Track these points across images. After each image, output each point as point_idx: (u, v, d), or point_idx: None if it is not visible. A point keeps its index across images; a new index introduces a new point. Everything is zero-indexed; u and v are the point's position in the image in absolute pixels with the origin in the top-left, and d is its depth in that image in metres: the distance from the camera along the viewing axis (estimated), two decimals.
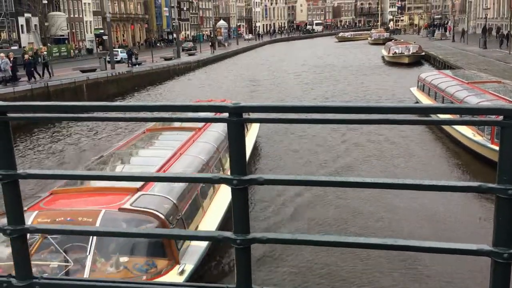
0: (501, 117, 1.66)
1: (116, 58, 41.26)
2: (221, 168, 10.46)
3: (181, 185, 8.06)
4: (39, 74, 28.57)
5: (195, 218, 8.15)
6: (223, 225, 8.40)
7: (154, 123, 12.46)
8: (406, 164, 14.44)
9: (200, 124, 11.53)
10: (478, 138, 13.44)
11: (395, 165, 14.35)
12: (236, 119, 1.84)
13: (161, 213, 6.78)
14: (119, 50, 47.59)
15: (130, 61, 37.90)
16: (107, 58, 35.73)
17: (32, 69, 27.68)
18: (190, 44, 64.36)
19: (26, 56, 28.36)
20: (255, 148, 15.04)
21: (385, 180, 1.80)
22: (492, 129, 12.52)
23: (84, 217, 6.42)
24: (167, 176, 2.49)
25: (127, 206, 6.71)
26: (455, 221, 10.25)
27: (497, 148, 10.80)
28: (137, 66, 38.10)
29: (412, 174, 13.24)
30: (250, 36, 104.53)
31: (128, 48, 39.90)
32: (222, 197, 9.16)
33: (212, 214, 8.73)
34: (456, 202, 10.88)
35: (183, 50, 55.43)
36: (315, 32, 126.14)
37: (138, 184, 7.29)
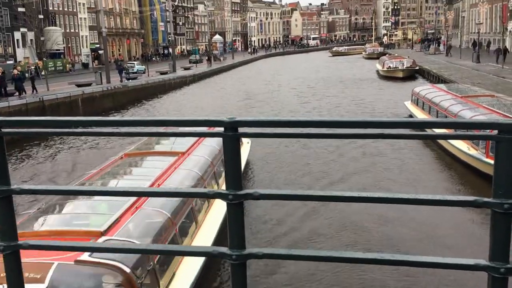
0: (495, 132, 1.67)
1: (132, 70, 44.20)
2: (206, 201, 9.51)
3: (157, 225, 7.26)
4: (31, 89, 28.38)
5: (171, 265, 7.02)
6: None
7: (133, 147, 11.81)
8: (401, 177, 14.45)
9: (183, 149, 10.86)
10: (472, 152, 13.49)
11: (390, 178, 14.35)
12: (232, 133, 1.83)
13: (126, 266, 5.61)
14: (135, 62, 50.02)
15: (121, 75, 37.52)
16: (123, 71, 36.49)
17: (22, 84, 27.43)
18: (197, 56, 66.54)
19: (15, 71, 28.09)
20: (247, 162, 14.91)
21: (380, 194, 1.79)
22: (486, 143, 12.57)
23: (32, 273, 5.10)
24: (162, 191, 2.47)
25: (85, 257, 5.40)
26: (451, 235, 10.22)
27: (492, 162, 10.80)
28: (130, 80, 37.77)
29: (407, 188, 13.24)
30: (255, 48, 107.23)
31: (119, 63, 39.62)
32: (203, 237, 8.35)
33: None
34: (452, 216, 10.86)
35: (190, 62, 59.44)
36: (310, 47, 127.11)
37: (104, 226, 6.36)
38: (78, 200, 7.57)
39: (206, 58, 63.23)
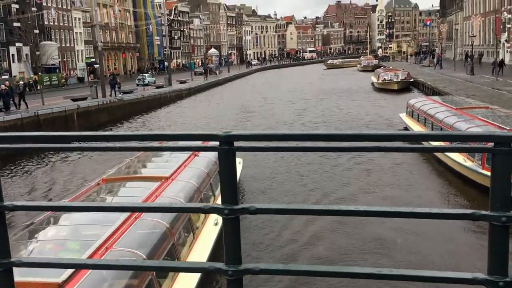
0: (491, 144, 1.66)
1: (144, 81, 48.12)
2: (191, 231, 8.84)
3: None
4: (16, 105, 27.94)
5: None
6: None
7: (112, 170, 10.64)
8: (397, 190, 14.44)
9: (167, 172, 9.82)
10: (469, 163, 13.51)
11: (385, 191, 14.33)
12: (227, 147, 1.82)
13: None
14: (147, 75, 52.65)
15: (113, 90, 36.55)
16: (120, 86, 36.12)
17: (11, 99, 26.98)
18: (202, 69, 68.69)
19: (3, 87, 27.63)
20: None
21: (378, 208, 1.78)
22: (482, 155, 12.59)
23: None
24: (157, 206, 2.45)
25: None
26: (449, 248, 10.19)
27: (488, 173, 10.80)
28: (121, 95, 36.96)
29: (403, 200, 13.23)
30: (256, 61, 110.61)
31: (111, 77, 39.35)
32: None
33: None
34: (450, 228, 10.84)
35: (195, 74, 61.89)
36: (305, 59, 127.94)
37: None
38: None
39: (204, 71, 63.63)
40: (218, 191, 10.71)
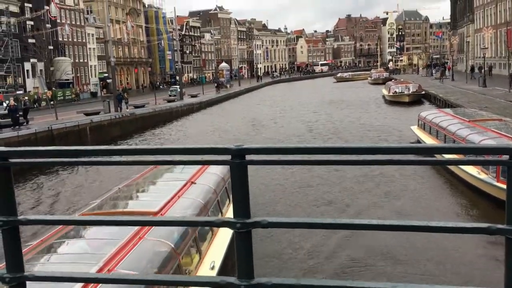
0: (506, 156, 1.64)
1: (174, 93, 52.75)
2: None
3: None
4: (25, 121, 27.66)
5: None
6: None
7: (95, 203, 9.55)
8: (409, 203, 14.30)
9: (156, 206, 8.59)
10: (483, 176, 13.35)
11: (399, 204, 14.20)
12: (239, 161, 1.82)
13: None
14: (177, 86, 55.71)
15: (120, 106, 36.00)
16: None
17: (17, 115, 26.71)
18: (220, 81, 71.25)
19: (12, 102, 27.42)
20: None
21: (391, 222, 1.76)
22: (497, 167, 12.43)
23: None
24: (167, 220, 2.45)
25: None
26: (464, 262, 10.04)
27: (502, 186, 10.65)
28: (127, 109, 36.78)
29: (415, 213, 13.08)
30: (276, 74, 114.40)
31: (118, 92, 39.20)
32: None
33: None
34: (465, 241, 10.68)
35: (216, 86, 63.51)
36: (316, 73, 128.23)
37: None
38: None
39: (216, 85, 64.08)
40: (225, 209, 10.70)
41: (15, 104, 27.66)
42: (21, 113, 27.66)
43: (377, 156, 1.81)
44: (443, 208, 13.80)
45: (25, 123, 27.76)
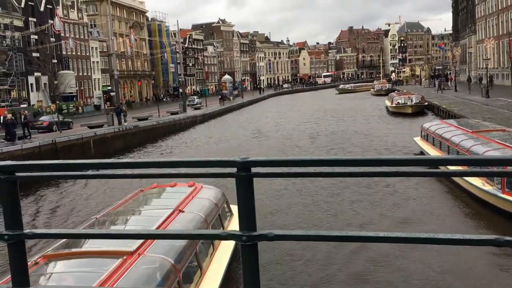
0: (511, 168, 1.64)
1: (194, 103, 57.48)
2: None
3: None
4: (25, 135, 27.34)
5: None
6: None
7: (60, 241, 7.68)
8: (415, 215, 14.21)
9: (131, 246, 7.02)
10: (488, 187, 13.26)
11: (404, 217, 14.12)
12: (245, 173, 1.82)
13: None
14: (195, 97, 60.54)
15: (118, 119, 35.13)
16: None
17: (15, 130, 26.05)
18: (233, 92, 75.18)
19: (9, 116, 26.80)
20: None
21: (398, 234, 1.76)
22: (502, 179, 12.35)
23: None
24: (169, 233, 2.45)
25: None
26: (472, 274, 9.95)
27: (508, 197, 10.56)
28: (126, 123, 35.59)
29: (422, 225, 13.00)
30: (286, 85, 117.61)
31: (117, 105, 38.32)
32: None
33: None
34: (472, 253, 10.60)
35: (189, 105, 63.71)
36: (318, 85, 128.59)
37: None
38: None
39: (220, 97, 64.50)
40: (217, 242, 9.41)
41: (13, 118, 27.07)
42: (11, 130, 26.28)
43: (382, 168, 1.81)
44: (447, 219, 13.72)
45: (28, 137, 27.62)
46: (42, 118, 36.66)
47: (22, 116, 29.23)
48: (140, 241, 6.90)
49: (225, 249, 9.18)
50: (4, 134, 26.42)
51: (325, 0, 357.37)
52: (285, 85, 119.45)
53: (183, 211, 9.16)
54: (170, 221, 8.28)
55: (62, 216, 16.52)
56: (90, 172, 2.19)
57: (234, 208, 11.44)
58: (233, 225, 10.45)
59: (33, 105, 50.47)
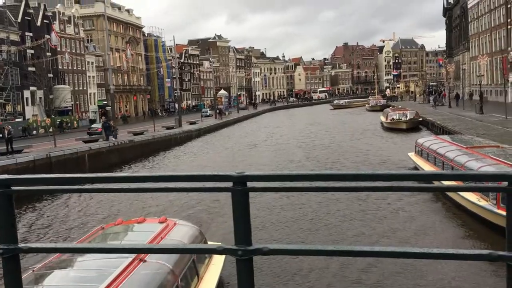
0: (505, 183, 1.66)
1: (207, 114, 62.50)
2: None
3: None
4: (7, 151, 26.23)
5: None
6: None
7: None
8: (410, 230, 14.20)
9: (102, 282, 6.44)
10: (483, 203, 13.29)
11: (398, 231, 14.10)
12: (241, 188, 1.83)
13: None
14: (208, 108, 64.86)
15: (106, 133, 34.22)
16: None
17: None
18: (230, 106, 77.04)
19: None
20: None
21: (392, 248, 1.77)
22: (497, 194, 12.38)
23: None
24: (166, 248, 2.44)
25: None
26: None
27: (503, 213, 10.57)
28: (114, 139, 34.25)
29: (416, 240, 12.99)
30: (293, 99, 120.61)
31: (104, 120, 37.38)
32: None
33: None
34: (466, 268, 10.58)
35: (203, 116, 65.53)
36: (313, 100, 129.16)
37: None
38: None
39: (218, 111, 65.14)
40: None
41: None
42: None
43: (377, 183, 1.83)
44: (442, 235, 13.71)
45: (11, 153, 25.95)
46: (95, 125, 44.47)
47: (6, 131, 27.95)
48: None
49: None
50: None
51: (326, 17, 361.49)
52: (292, 99, 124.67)
53: (145, 261, 7.24)
54: (126, 275, 6.62)
55: (57, 230, 16.38)
56: (86, 186, 2.19)
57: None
58: (212, 270, 9.06)
59: (28, 119, 50.36)
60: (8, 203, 1.95)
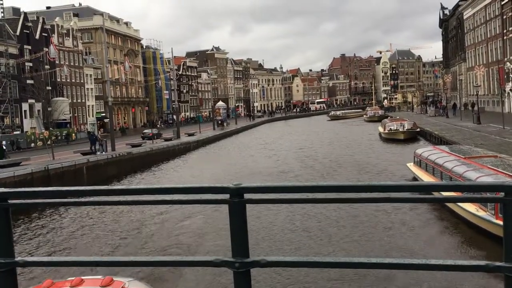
0: (502, 194, 1.66)
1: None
2: None
3: None
4: None
5: None
6: None
7: None
8: (408, 241, 14.16)
9: None
10: (481, 213, 13.28)
11: (397, 242, 14.06)
12: (238, 200, 1.83)
13: None
14: (217, 117, 67.49)
15: (93, 147, 33.59)
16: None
17: None
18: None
19: None
20: None
21: (390, 260, 1.76)
22: (495, 204, 12.38)
23: None
24: (162, 260, 2.43)
25: None
26: None
27: (501, 223, 10.61)
28: (101, 153, 33.37)
29: (414, 251, 12.93)
30: (296, 109, 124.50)
31: (91, 133, 36.63)
32: None
33: None
34: (465, 279, 10.54)
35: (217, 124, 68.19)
36: (311, 111, 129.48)
37: None
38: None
39: (219, 122, 66.55)
40: None
41: None
42: None
43: (375, 194, 1.83)
44: (442, 245, 13.66)
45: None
46: (147, 130, 52.22)
47: None
48: None
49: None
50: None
51: (327, 28, 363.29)
52: (298, 108, 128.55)
53: None
54: None
55: (55, 244, 16.28)
56: (84, 199, 2.19)
57: None
58: None
59: (26, 131, 50.28)
60: (5, 217, 1.94)
